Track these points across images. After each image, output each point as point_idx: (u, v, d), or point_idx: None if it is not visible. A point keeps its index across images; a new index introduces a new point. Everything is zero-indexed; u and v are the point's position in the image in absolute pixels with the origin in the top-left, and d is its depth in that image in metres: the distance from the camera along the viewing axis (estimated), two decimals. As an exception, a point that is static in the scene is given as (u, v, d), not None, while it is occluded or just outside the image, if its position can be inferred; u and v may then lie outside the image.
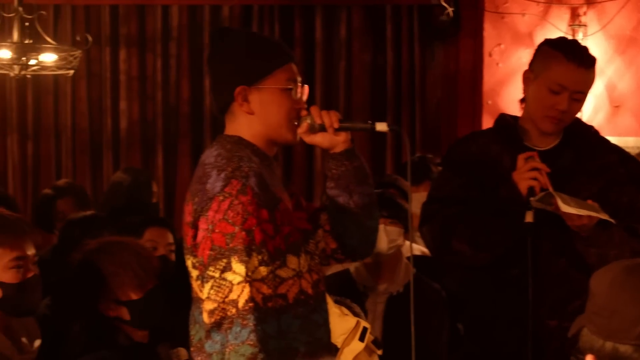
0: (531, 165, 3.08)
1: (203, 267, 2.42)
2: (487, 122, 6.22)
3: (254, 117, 2.57)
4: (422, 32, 6.82)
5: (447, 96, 6.91)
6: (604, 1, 6.50)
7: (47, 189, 5.40)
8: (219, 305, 2.37)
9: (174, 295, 3.04)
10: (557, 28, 6.38)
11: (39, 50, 5.52)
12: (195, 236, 2.46)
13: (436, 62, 6.91)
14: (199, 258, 2.43)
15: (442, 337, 3.81)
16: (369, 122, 2.66)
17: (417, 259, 4.10)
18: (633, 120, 6.60)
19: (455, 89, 6.87)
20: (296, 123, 2.61)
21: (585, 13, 6.49)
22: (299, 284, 2.51)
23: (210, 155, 2.53)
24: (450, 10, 6.50)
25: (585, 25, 6.45)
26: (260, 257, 2.39)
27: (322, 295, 2.61)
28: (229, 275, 2.37)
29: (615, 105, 6.56)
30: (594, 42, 6.45)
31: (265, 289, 2.40)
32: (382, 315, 3.73)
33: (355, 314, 3.29)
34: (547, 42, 3.31)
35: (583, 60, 3.21)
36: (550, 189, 3.04)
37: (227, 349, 2.35)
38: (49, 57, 5.57)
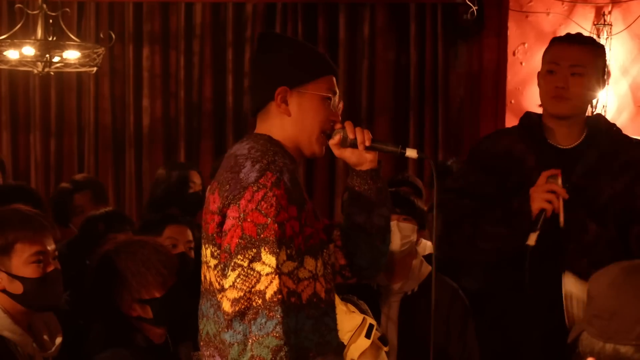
0: (550, 187, 3.03)
1: (228, 255, 2.42)
2: (510, 122, 6.18)
3: (288, 120, 2.59)
4: (446, 31, 6.79)
5: (470, 95, 6.88)
6: (629, 0, 6.44)
7: (65, 183, 5.42)
8: (244, 295, 2.37)
9: (193, 293, 3.04)
10: (581, 27, 6.33)
11: (62, 48, 5.54)
12: (221, 224, 2.46)
13: (460, 61, 6.88)
14: (225, 246, 2.43)
15: (465, 336, 3.77)
16: (400, 146, 2.66)
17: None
18: (658, 120, 6.55)
19: (478, 88, 6.84)
20: (328, 133, 2.63)
21: (610, 12, 6.43)
22: (313, 286, 2.50)
23: (242, 147, 2.55)
24: (474, 8, 6.47)
25: (610, 25, 6.40)
26: (289, 251, 2.40)
27: (333, 303, 2.61)
28: (257, 266, 2.37)
29: (640, 105, 6.51)
30: (619, 42, 6.40)
31: (290, 284, 2.41)
32: (397, 314, 3.70)
33: (362, 311, 3.29)
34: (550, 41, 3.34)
35: (574, 38, 3.23)
36: (561, 217, 2.99)
37: (250, 340, 2.34)
38: (72, 55, 5.59)
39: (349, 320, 3.21)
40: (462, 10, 6.58)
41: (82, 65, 5.71)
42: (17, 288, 2.82)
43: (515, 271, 3.21)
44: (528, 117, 3.39)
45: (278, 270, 2.36)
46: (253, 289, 2.36)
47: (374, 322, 3.24)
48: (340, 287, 2.82)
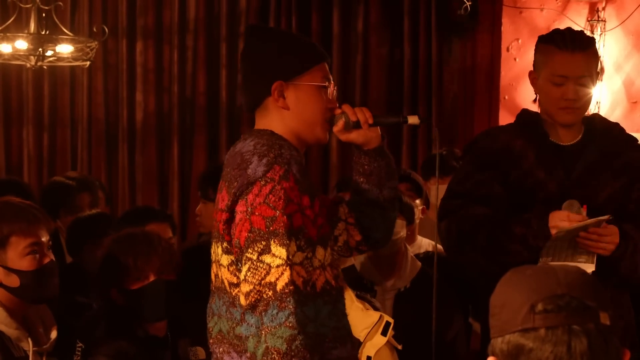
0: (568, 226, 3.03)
1: (239, 250, 2.43)
2: (504, 117, 6.19)
3: (288, 113, 2.58)
4: (440, 27, 6.78)
5: (463, 91, 6.88)
6: (623, -4, 6.45)
7: (63, 177, 5.35)
8: (254, 288, 2.38)
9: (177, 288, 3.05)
10: (575, 23, 6.32)
11: (55, 41, 5.54)
12: (228, 220, 2.46)
13: (453, 57, 6.87)
14: (235, 241, 2.44)
15: (455, 333, 3.78)
16: (401, 116, 2.70)
17: (430, 256, 4.08)
18: (651, 116, 6.56)
19: (472, 83, 6.83)
20: (330, 121, 2.64)
21: (604, 8, 6.44)
22: (324, 275, 2.51)
23: (246, 145, 2.53)
24: (468, 4, 6.47)
25: (604, 21, 6.40)
26: (298, 242, 2.40)
27: (342, 290, 2.62)
28: (267, 258, 2.37)
29: (633, 101, 6.51)
30: (613, 38, 6.40)
31: (304, 273, 2.41)
32: (390, 311, 3.71)
33: (376, 309, 3.29)
34: (540, 39, 3.30)
35: (576, 45, 3.18)
36: None
37: (263, 332, 2.35)
38: (65, 48, 5.59)
39: (366, 318, 3.21)
40: (456, 6, 6.56)
41: (75, 59, 5.71)
42: (14, 281, 2.80)
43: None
44: (527, 114, 3.39)
45: (289, 262, 2.37)
46: (263, 282, 2.37)
47: (391, 320, 3.24)
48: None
